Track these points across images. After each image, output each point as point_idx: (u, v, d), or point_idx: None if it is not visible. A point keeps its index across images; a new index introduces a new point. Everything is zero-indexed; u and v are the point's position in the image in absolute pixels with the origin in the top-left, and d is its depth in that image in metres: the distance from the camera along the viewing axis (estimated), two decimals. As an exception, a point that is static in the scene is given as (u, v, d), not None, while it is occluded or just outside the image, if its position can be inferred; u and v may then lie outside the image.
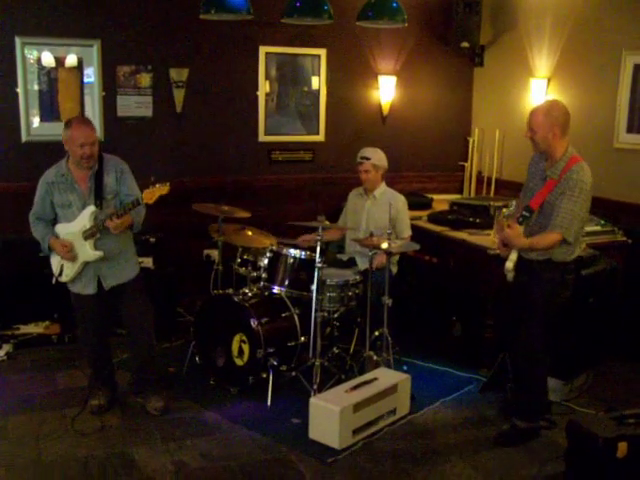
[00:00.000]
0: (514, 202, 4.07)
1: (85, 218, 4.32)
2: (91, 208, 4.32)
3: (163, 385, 4.81)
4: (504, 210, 4.06)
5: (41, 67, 6.02)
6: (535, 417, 4.39)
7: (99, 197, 4.34)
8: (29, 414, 4.58)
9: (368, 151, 5.48)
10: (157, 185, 4.19)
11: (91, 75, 6.18)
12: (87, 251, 4.36)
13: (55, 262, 4.49)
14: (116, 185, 4.41)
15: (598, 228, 5.47)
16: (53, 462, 4.02)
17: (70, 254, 4.35)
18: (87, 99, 6.21)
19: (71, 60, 6.11)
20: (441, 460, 4.15)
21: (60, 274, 4.47)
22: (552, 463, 4.06)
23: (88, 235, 4.32)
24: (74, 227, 4.36)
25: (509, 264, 4.04)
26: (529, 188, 4.19)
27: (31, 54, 5.97)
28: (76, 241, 4.35)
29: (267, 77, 6.82)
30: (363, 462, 4.11)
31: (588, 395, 4.95)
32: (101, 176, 4.37)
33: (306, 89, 7.04)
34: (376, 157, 5.44)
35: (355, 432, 4.29)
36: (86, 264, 4.41)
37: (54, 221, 4.47)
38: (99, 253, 4.36)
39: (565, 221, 3.87)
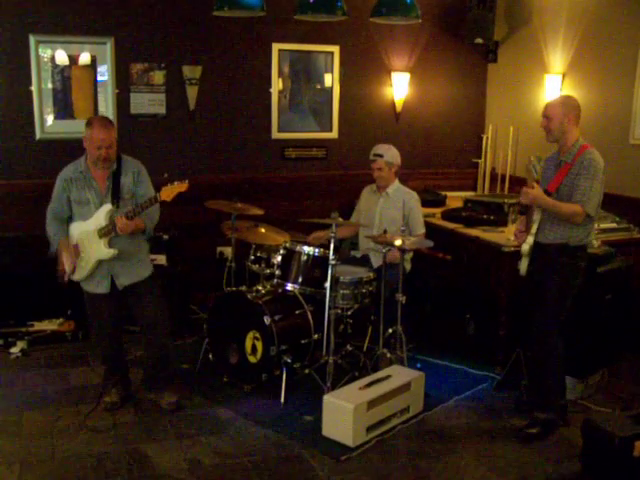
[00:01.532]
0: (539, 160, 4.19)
1: (101, 216, 4.32)
2: (108, 206, 4.32)
3: (176, 381, 4.81)
4: (532, 158, 4.17)
5: (55, 65, 6.04)
6: (553, 407, 4.38)
7: (117, 197, 4.35)
8: (43, 410, 4.59)
9: (381, 148, 5.45)
10: (175, 182, 4.20)
11: (104, 73, 6.20)
12: (101, 249, 4.35)
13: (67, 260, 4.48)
14: (133, 186, 4.42)
15: (614, 225, 5.44)
16: (67, 458, 4.02)
17: (71, 260, 4.37)
18: (100, 96, 6.23)
19: (84, 58, 6.12)
20: (455, 458, 4.12)
21: (72, 272, 4.46)
22: (567, 462, 4.04)
23: (103, 233, 4.31)
24: (89, 225, 4.35)
25: (525, 247, 4.28)
26: (545, 177, 4.31)
27: (45, 53, 5.98)
28: (91, 239, 4.35)
29: (280, 74, 6.81)
30: (376, 460, 4.09)
31: (603, 393, 4.92)
32: (119, 176, 4.38)
33: (319, 86, 7.03)
34: (389, 154, 5.41)
35: (369, 430, 4.27)
36: (99, 263, 4.41)
37: (69, 219, 4.46)
38: (113, 251, 4.35)
39: (585, 196, 4.09)
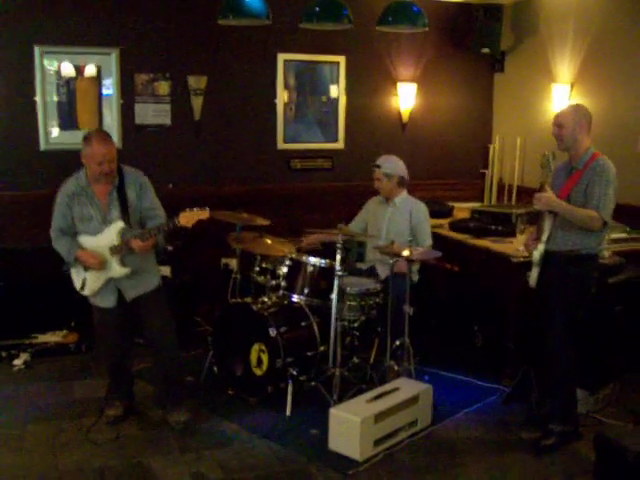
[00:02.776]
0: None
1: (112, 234, 4.22)
2: (119, 224, 4.21)
3: (186, 397, 4.72)
4: (547, 152, 4.15)
5: (60, 77, 6.03)
6: (570, 419, 4.33)
7: (125, 212, 4.24)
8: (46, 423, 4.53)
9: (381, 159, 5.39)
10: (195, 208, 4.06)
11: (110, 87, 6.18)
12: (114, 267, 4.26)
13: (77, 276, 4.39)
14: (136, 200, 4.31)
15: (624, 235, 5.39)
16: (69, 472, 3.96)
17: (101, 265, 4.23)
18: (105, 108, 6.22)
19: (90, 70, 6.11)
20: (463, 473, 4.05)
21: (82, 288, 4.37)
22: (580, 477, 3.96)
23: (115, 251, 4.22)
24: (101, 241, 4.24)
25: (536, 254, 4.25)
26: (555, 185, 4.26)
27: (51, 65, 5.97)
28: (102, 256, 4.27)
29: (286, 85, 6.80)
30: (384, 474, 4.02)
31: (615, 406, 4.82)
32: (124, 190, 4.27)
33: (325, 98, 7.00)
34: (387, 165, 5.34)
35: (376, 443, 4.20)
36: (110, 279, 4.34)
37: (76, 233, 4.35)
38: (126, 270, 4.27)
39: (600, 202, 4.05)
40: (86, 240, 4.29)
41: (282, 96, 6.78)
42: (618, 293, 4.74)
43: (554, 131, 4.23)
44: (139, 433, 4.44)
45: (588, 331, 4.40)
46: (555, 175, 4.29)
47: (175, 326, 4.55)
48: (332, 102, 7.02)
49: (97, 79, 6.16)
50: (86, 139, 4.18)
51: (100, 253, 4.24)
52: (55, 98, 6.05)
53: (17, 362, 5.46)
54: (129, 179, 4.33)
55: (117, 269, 4.27)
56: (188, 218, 4.04)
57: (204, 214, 4.09)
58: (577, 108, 4.29)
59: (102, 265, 4.25)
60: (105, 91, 6.19)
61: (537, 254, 4.24)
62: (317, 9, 5.34)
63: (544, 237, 4.22)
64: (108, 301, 4.39)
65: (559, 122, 4.20)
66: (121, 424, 4.51)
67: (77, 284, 4.40)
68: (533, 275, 4.26)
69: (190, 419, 4.54)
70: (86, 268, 4.30)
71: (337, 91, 6.99)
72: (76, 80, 6.11)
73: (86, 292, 4.39)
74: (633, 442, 3.53)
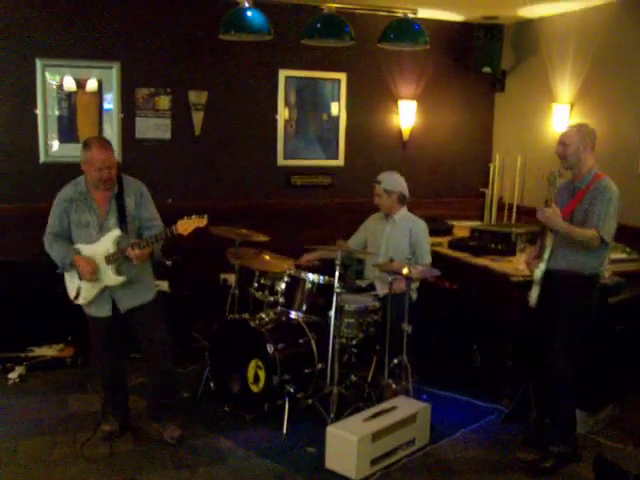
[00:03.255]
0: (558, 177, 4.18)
1: (109, 242, 4.19)
2: (116, 232, 4.19)
3: (179, 411, 4.69)
4: (554, 169, 4.14)
5: (61, 91, 6.03)
6: (569, 440, 4.28)
7: (123, 221, 4.23)
8: (40, 438, 4.49)
9: (382, 175, 5.39)
10: (194, 216, 4.03)
11: (111, 102, 6.19)
12: (109, 276, 4.23)
13: (71, 284, 4.36)
14: (135, 209, 4.30)
15: (624, 256, 5.38)
16: (62, 488, 3.92)
17: (93, 275, 4.20)
18: (106, 123, 6.22)
19: (91, 85, 6.12)
20: (462, 493, 4.02)
21: (76, 297, 4.34)
22: (579, 499, 3.92)
23: (111, 260, 4.20)
24: (97, 249, 4.22)
25: (537, 273, 4.23)
26: (557, 203, 4.23)
27: (54, 79, 5.98)
28: (98, 264, 4.24)
29: (287, 102, 6.80)
30: (381, 494, 3.99)
31: (615, 428, 4.78)
32: (122, 199, 4.26)
33: (326, 115, 7.00)
34: (387, 182, 5.33)
35: (373, 462, 4.16)
36: (105, 288, 4.30)
37: (70, 240, 4.33)
38: (122, 278, 4.23)
39: (600, 220, 4.05)
40: (82, 248, 4.27)
41: (283, 112, 6.79)
42: (618, 313, 4.71)
43: (558, 149, 4.23)
44: (134, 449, 4.40)
45: (588, 351, 4.37)
46: (557, 194, 4.28)
47: (170, 340, 4.52)
48: (333, 119, 7.03)
49: (98, 93, 6.17)
50: (86, 145, 4.19)
51: (95, 261, 4.22)
52: (56, 112, 6.06)
53: (12, 375, 5.42)
54: (129, 188, 4.32)
55: (112, 277, 4.24)
56: (185, 226, 4.02)
57: (202, 222, 4.06)
58: (581, 127, 4.29)
59: (94, 275, 4.22)
60: (106, 105, 6.19)
61: (538, 272, 4.22)
62: (319, 26, 5.36)
63: (546, 255, 4.21)
64: (103, 310, 4.35)
65: (563, 141, 4.21)
66: (116, 440, 4.46)
67: (71, 293, 4.36)
68: (533, 294, 4.22)
69: (184, 434, 4.50)
70: (81, 277, 4.28)
71: (338, 108, 7.00)
72: (77, 94, 6.12)
73: (80, 301, 4.35)
74: (633, 464, 3.51)
